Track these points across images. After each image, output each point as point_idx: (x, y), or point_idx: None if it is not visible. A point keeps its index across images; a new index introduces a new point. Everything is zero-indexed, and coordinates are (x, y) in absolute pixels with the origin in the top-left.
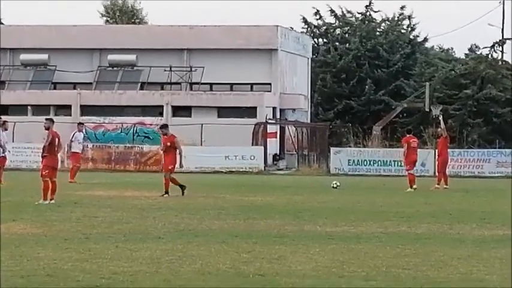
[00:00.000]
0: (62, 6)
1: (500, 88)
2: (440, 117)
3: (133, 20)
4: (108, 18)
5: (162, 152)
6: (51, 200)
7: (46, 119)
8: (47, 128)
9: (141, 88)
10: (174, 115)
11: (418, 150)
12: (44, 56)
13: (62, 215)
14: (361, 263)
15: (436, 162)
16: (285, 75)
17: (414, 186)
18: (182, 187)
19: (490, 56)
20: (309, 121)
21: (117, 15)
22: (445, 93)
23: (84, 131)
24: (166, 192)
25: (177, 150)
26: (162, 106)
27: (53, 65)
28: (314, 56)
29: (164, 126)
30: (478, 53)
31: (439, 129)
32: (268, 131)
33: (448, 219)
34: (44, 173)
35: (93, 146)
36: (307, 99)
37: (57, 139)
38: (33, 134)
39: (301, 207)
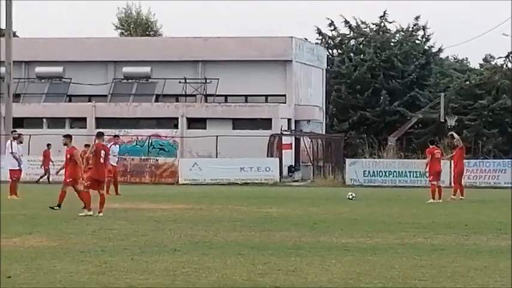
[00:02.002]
0: (76, 19)
1: None
2: (454, 134)
3: (147, 32)
4: (123, 31)
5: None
6: (99, 212)
7: (96, 133)
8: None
9: (156, 100)
10: (189, 127)
11: None
12: (58, 69)
13: (78, 228)
14: (377, 275)
15: (452, 173)
16: (300, 86)
17: (438, 200)
18: (59, 206)
19: (504, 66)
20: (324, 132)
21: (131, 28)
22: (460, 104)
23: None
24: (59, 206)
25: (78, 163)
26: (177, 118)
27: (68, 77)
28: (329, 67)
29: (66, 136)
30: (493, 63)
31: (454, 140)
32: (283, 143)
33: (464, 230)
34: (86, 184)
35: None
36: (322, 111)
37: (103, 151)
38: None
39: (317, 218)
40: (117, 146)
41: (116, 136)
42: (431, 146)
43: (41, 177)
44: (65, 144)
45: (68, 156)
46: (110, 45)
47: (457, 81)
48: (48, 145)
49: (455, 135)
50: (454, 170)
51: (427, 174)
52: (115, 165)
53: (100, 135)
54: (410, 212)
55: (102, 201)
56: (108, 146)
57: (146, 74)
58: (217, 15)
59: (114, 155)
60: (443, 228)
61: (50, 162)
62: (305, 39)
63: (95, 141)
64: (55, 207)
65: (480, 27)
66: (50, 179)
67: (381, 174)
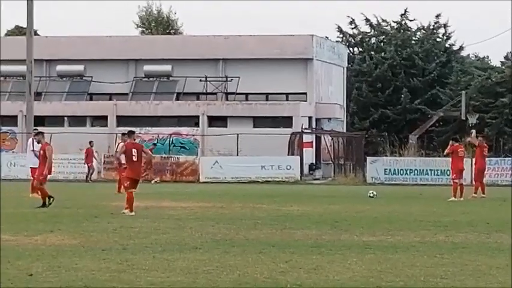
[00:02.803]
0: (97, 18)
1: None
2: (473, 132)
3: (168, 31)
4: (144, 29)
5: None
6: (126, 209)
7: (127, 132)
8: (124, 141)
9: (177, 98)
10: (210, 125)
11: None
12: (80, 67)
13: (99, 226)
14: (398, 273)
15: (473, 171)
16: (321, 84)
17: (459, 198)
18: (50, 198)
19: None
20: (344, 130)
21: (152, 26)
22: (481, 102)
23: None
24: (44, 204)
25: (49, 159)
26: (198, 116)
27: (89, 76)
28: (349, 65)
29: (38, 134)
30: None
31: (468, 139)
32: (304, 141)
33: (485, 228)
34: (125, 184)
35: None
36: (342, 109)
37: (135, 150)
38: (69, 145)
39: (338, 216)
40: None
41: (124, 134)
42: (454, 144)
43: (89, 174)
44: (38, 142)
45: (41, 152)
46: (131, 43)
47: (478, 79)
48: (91, 142)
49: (473, 133)
50: (475, 167)
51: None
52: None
53: (130, 134)
54: (432, 210)
55: (130, 199)
56: (117, 145)
57: (167, 72)
58: (238, 13)
59: None
60: (465, 226)
61: (94, 160)
62: (326, 37)
63: (125, 141)
64: (47, 204)
65: (501, 25)
66: (92, 178)
67: (402, 173)
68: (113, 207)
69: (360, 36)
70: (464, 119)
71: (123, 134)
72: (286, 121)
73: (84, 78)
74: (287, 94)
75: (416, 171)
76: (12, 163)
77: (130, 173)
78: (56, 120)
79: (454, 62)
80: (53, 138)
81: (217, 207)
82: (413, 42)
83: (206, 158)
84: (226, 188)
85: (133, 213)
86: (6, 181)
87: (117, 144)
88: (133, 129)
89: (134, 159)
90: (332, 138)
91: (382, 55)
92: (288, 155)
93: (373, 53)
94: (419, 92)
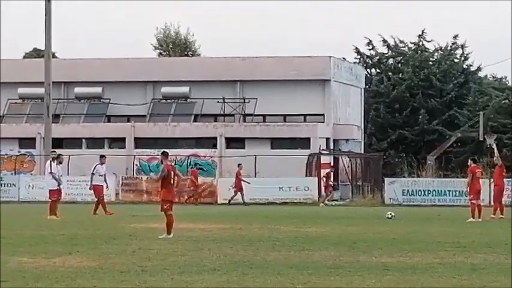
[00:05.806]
0: (115, 40)
1: None
2: (494, 146)
3: (186, 53)
4: (161, 51)
5: None
6: (169, 234)
7: (161, 153)
8: (161, 162)
9: (195, 120)
10: (227, 147)
11: None
12: (97, 89)
13: (118, 248)
14: None
15: (492, 192)
16: (338, 105)
17: (477, 219)
18: None
19: None
20: (362, 151)
21: (170, 48)
22: (499, 122)
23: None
24: None
25: None
26: (216, 138)
27: (106, 98)
28: (367, 86)
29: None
30: None
31: (494, 158)
32: (322, 162)
33: (504, 249)
34: (165, 207)
35: (147, 178)
36: (360, 130)
37: (172, 172)
38: (87, 167)
39: (356, 238)
40: (103, 166)
41: (102, 156)
42: (472, 165)
43: (233, 197)
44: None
45: None
46: (149, 65)
47: (495, 100)
48: (239, 165)
49: (495, 152)
50: (494, 188)
51: (468, 193)
52: (102, 185)
53: (167, 155)
54: (450, 231)
55: (171, 222)
56: (93, 166)
57: (185, 94)
58: (255, 34)
59: (100, 175)
60: (484, 248)
61: (242, 182)
62: (343, 58)
63: (161, 162)
64: None
65: None
66: (244, 200)
67: (420, 194)
68: (130, 229)
69: (378, 57)
70: (482, 139)
71: (101, 156)
72: (304, 142)
73: (102, 100)
74: (305, 115)
75: (434, 192)
76: (31, 185)
77: (169, 196)
78: (74, 142)
79: (472, 82)
80: (71, 160)
81: (235, 229)
82: (430, 63)
83: (224, 180)
84: (244, 209)
85: (171, 235)
86: (25, 203)
87: (94, 166)
88: (151, 150)
89: (173, 181)
90: (350, 159)
91: (400, 76)
92: (306, 176)
93: (390, 74)
94: (437, 112)
